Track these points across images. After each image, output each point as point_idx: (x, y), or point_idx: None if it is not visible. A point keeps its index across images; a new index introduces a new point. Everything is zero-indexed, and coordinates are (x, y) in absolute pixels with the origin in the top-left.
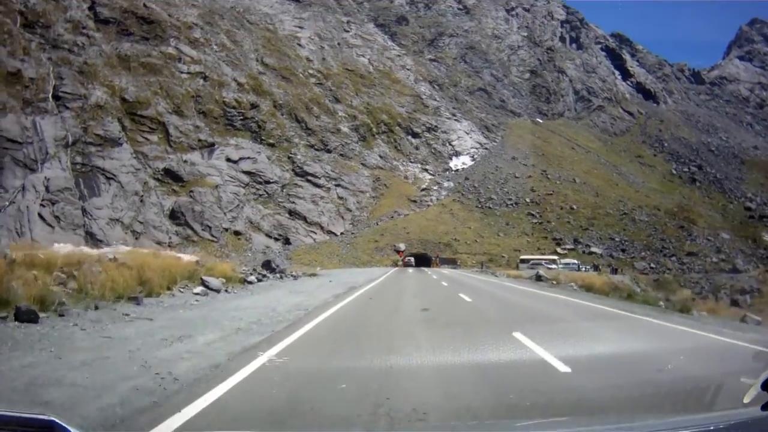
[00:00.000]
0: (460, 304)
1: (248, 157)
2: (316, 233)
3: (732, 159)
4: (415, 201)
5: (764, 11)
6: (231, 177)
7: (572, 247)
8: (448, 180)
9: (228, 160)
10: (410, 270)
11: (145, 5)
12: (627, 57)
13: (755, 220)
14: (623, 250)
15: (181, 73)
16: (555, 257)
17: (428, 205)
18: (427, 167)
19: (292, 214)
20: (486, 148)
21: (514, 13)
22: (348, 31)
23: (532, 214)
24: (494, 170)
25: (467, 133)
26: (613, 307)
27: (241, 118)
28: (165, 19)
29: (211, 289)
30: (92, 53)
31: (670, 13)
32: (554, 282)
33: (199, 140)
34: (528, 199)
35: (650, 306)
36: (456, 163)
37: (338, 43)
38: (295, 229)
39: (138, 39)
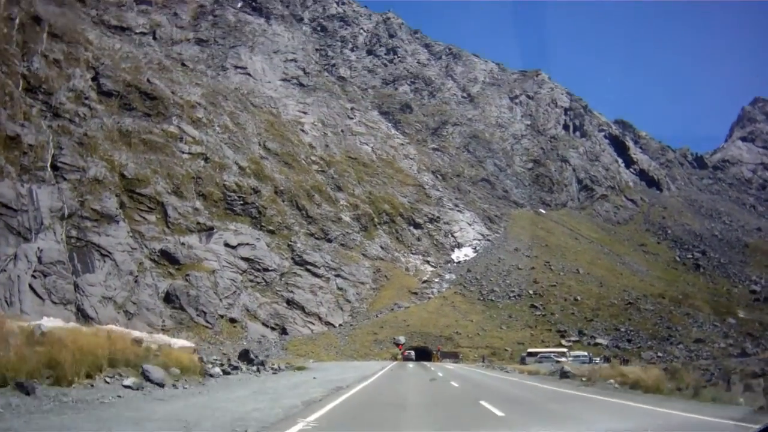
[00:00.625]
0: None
1: (247, 243)
2: (314, 324)
3: (736, 243)
4: (416, 293)
5: (766, 90)
6: (229, 263)
7: (577, 338)
8: (450, 272)
9: (226, 245)
10: (410, 365)
11: (148, 80)
12: (630, 144)
13: (761, 302)
14: (629, 340)
15: (182, 152)
16: (564, 349)
17: (429, 298)
18: (429, 259)
19: (290, 303)
20: (488, 240)
21: (517, 101)
22: (352, 118)
23: (535, 306)
24: (497, 262)
25: (469, 224)
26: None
27: (242, 202)
28: (168, 96)
29: (152, 381)
30: (93, 125)
31: (673, 99)
32: (585, 379)
33: (198, 223)
34: (531, 291)
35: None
36: (458, 255)
37: (342, 130)
38: (292, 318)
39: (140, 114)
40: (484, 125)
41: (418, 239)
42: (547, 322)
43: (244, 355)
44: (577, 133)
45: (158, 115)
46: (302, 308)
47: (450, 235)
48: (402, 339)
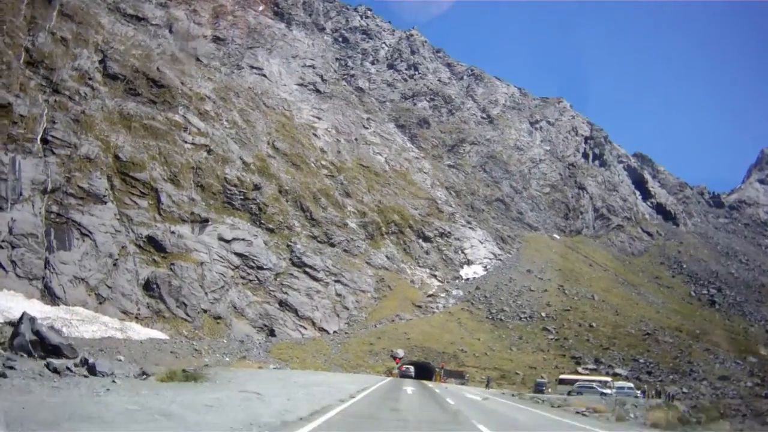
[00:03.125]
0: None
1: (243, 239)
2: (306, 328)
3: (752, 282)
4: (420, 306)
5: None
6: (220, 256)
7: (594, 367)
8: (458, 288)
9: (220, 238)
10: (408, 388)
11: (158, 69)
12: (648, 177)
13: None
14: (649, 372)
15: (185, 142)
16: (608, 379)
17: (434, 312)
18: (436, 273)
19: (283, 305)
20: (500, 260)
21: (538, 126)
22: (367, 128)
23: (548, 330)
24: (508, 281)
25: (481, 243)
26: None
27: (242, 197)
28: (177, 86)
29: None
30: (93, 105)
31: (692, 137)
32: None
33: (192, 213)
34: (544, 314)
35: None
36: (467, 272)
37: (355, 139)
38: (282, 321)
39: (145, 101)
40: (502, 147)
41: (427, 252)
42: (560, 347)
43: (22, 344)
44: (596, 162)
45: (164, 103)
46: (295, 311)
47: (460, 252)
48: (400, 352)
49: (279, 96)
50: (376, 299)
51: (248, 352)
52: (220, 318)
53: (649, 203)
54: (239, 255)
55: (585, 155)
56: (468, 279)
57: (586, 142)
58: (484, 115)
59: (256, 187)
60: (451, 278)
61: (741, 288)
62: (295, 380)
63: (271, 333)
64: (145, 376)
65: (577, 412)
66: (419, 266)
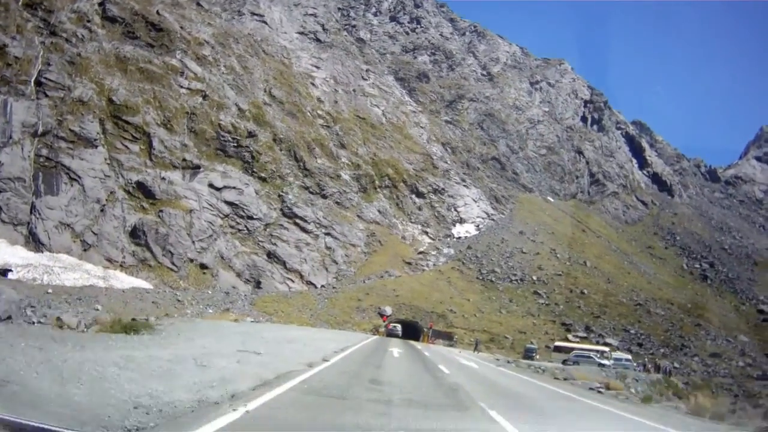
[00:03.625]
0: None
1: (234, 187)
2: (293, 281)
3: (745, 259)
4: (410, 263)
5: None
6: (210, 204)
7: (584, 335)
8: (449, 247)
9: (211, 186)
10: (394, 347)
11: (158, 12)
12: (646, 146)
13: None
14: (640, 344)
15: (181, 87)
16: (605, 348)
17: (424, 270)
18: (428, 230)
19: (271, 256)
20: (493, 219)
21: (538, 86)
22: (366, 80)
23: (539, 294)
24: (500, 242)
25: (475, 201)
26: None
27: (235, 144)
28: (176, 30)
29: None
30: (90, 48)
31: (692, 109)
32: None
33: (184, 160)
34: (535, 277)
35: None
36: (459, 231)
37: (353, 90)
38: (270, 273)
39: (143, 44)
40: (500, 105)
41: (419, 208)
42: (551, 312)
43: None
44: (595, 127)
45: (162, 47)
46: (283, 263)
47: (453, 209)
48: (388, 310)
49: (279, 43)
50: (366, 254)
51: (233, 304)
52: (206, 268)
53: (645, 172)
54: (229, 203)
55: (584, 119)
56: (460, 238)
57: (585, 106)
58: (485, 73)
59: (251, 135)
60: (442, 236)
61: (733, 265)
62: (264, 335)
63: (258, 285)
64: (85, 329)
65: (591, 389)
66: (411, 222)
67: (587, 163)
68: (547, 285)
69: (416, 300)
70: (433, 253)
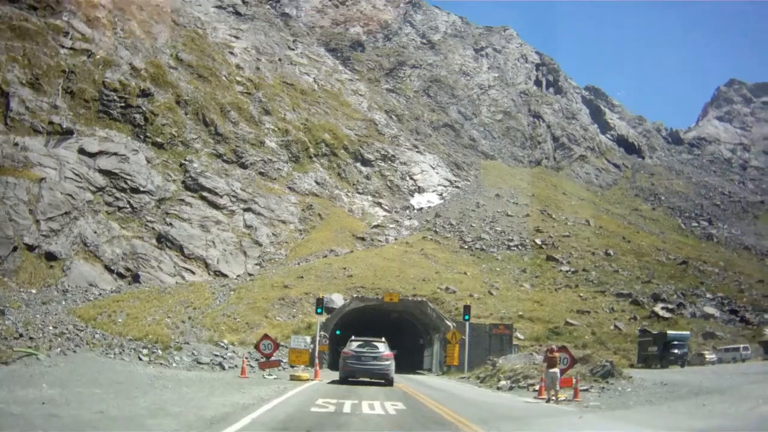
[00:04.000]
0: None
1: (115, 153)
2: (193, 272)
3: (743, 215)
4: (362, 239)
5: (740, 72)
6: (77, 174)
7: (672, 306)
8: (410, 218)
9: (82, 152)
10: None
11: None
12: (606, 110)
13: None
14: (733, 312)
15: (62, 46)
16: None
17: (382, 245)
18: (381, 201)
19: (162, 240)
20: (457, 187)
21: (483, 53)
22: (293, 49)
23: (555, 260)
24: (475, 207)
25: (433, 168)
26: None
27: (122, 105)
28: None
29: None
30: None
31: (643, 73)
32: None
33: (51, 123)
34: (538, 241)
35: None
36: (419, 201)
37: (279, 59)
38: (157, 261)
39: (24, 6)
40: (446, 71)
41: (367, 177)
42: (588, 281)
43: None
44: (551, 90)
45: (46, 8)
46: (180, 248)
47: (409, 178)
48: (338, 300)
49: (192, 15)
50: (301, 231)
51: (47, 307)
52: (54, 258)
53: (609, 135)
54: (107, 173)
55: (537, 83)
56: (422, 208)
57: (537, 69)
58: (425, 41)
59: (144, 94)
60: (400, 207)
61: (733, 221)
62: None
63: (136, 279)
64: None
65: None
66: (359, 193)
67: (548, 127)
68: (558, 249)
69: (382, 280)
70: (392, 226)
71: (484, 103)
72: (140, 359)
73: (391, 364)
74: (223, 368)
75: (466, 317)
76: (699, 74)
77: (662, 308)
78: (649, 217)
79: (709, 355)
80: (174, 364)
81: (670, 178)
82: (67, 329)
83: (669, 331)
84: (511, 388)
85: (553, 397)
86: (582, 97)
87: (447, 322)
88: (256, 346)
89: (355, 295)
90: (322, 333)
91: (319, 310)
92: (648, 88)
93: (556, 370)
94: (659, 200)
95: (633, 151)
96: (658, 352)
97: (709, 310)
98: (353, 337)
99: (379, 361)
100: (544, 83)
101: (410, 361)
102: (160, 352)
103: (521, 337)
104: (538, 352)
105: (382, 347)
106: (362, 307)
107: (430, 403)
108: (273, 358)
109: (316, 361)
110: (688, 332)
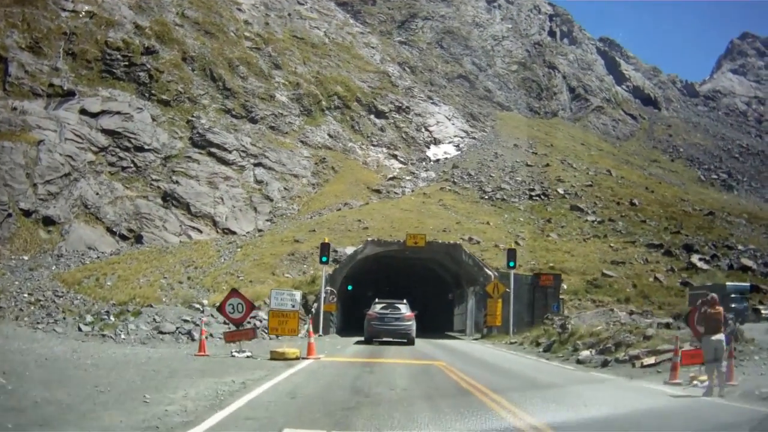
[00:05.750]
0: None
1: (119, 112)
2: (200, 230)
3: (762, 166)
4: (378, 191)
5: (753, 26)
6: (77, 135)
7: (706, 258)
8: (427, 170)
9: (83, 112)
10: None
11: None
12: (621, 61)
13: None
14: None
15: (63, 10)
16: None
17: (398, 197)
18: (396, 153)
19: (168, 198)
20: (474, 138)
21: (495, 4)
22: (302, 4)
23: (580, 209)
24: (494, 157)
25: (448, 119)
26: None
27: (126, 63)
28: None
29: None
30: None
31: (659, 24)
32: None
33: (52, 85)
34: (561, 191)
35: None
36: (436, 152)
37: (288, 14)
38: (162, 221)
39: None
40: (459, 23)
41: (382, 129)
42: (616, 231)
43: None
44: (566, 40)
45: None
46: (187, 206)
47: (424, 129)
48: (350, 251)
49: None
50: (314, 186)
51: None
52: (53, 223)
53: (624, 87)
54: (110, 133)
55: (551, 33)
56: (438, 160)
57: (551, 20)
58: None
59: (149, 51)
60: (416, 159)
61: (752, 173)
62: None
63: (139, 240)
64: None
65: None
66: (373, 145)
67: (564, 77)
68: (582, 198)
69: (400, 232)
70: (408, 178)
71: (498, 54)
72: (80, 329)
73: (413, 324)
74: (193, 339)
75: (511, 263)
76: (712, 27)
77: (699, 259)
78: (669, 169)
79: (765, 310)
80: (123, 336)
81: (687, 130)
82: (44, 296)
83: (728, 283)
84: (605, 364)
85: (717, 385)
86: (597, 48)
87: (487, 270)
88: (220, 309)
89: (369, 239)
90: (328, 288)
91: (324, 259)
92: (662, 40)
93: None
94: (678, 152)
95: (649, 102)
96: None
97: (747, 262)
98: (377, 300)
99: (401, 321)
100: (558, 34)
101: (437, 322)
102: (112, 319)
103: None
104: (617, 309)
105: (404, 308)
106: (379, 254)
107: (503, 406)
108: (245, 326)
109: (309, 329)
110: (747, 284)
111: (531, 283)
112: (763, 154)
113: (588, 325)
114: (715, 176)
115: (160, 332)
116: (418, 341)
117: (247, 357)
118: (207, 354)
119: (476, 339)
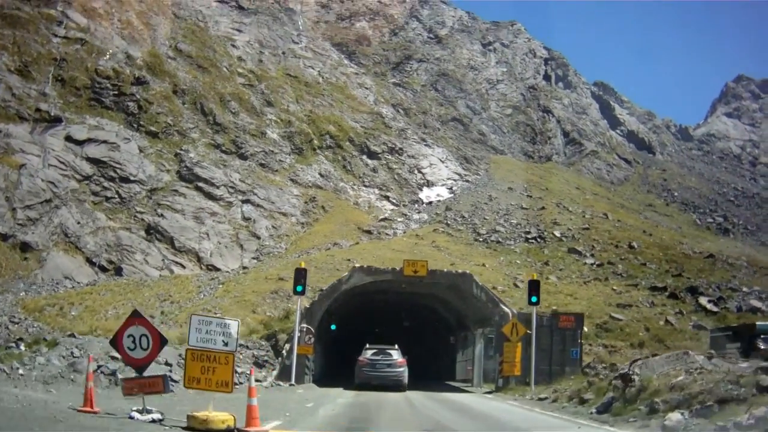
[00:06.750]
0: None
1: (105, 141)
2: (184, 265)
3: (758, 210)
4: (369, 231)
5: (747, 68)
6: (62, 162)
7: (710, 299)
8: (419, 212)
9: (69, 139)
10: None
11: None
12: (615, 105)
13: None
14: None
15: (55, 35)
16: None
17: (390, 238)
18: (389, 194)
19: (152, 231)
20: (467, 181)
21: (491, 47)
22: (297, 43)
23: (578, 252)
24: (487, 200)
25: (442, 161)
26: None
27: (115, 93)
28: None
29: None
30: None
31: (653, 69)
32: None
33: (38, 110)
34: (558, 233)
35: None
36: (428, 194)
37: (283, 52)
38: (144, 254)
39: None
40: (454, 66)
41: (374, 170)
42: (616, 275)
43: None
44: (561, 84)
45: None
46: (170, 240)
47: (417, 171)
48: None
49: (193, 8)
50: (303, 225)
51: None
52: (29, 249)
53: (618, 131)
54: (95, 162)
55: (546, 77)
56: (431, 202)
57: (546, 64)
58: (432, 36)
59: (139, 82)
60: (408, 201)
61: (748, 217)
62: None
63: (118, 272)
64: None
65: None
66: (365, 186)
67: (559, 121)
68: (579, 241)
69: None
70: (400, 219)
71: (493, 97)
72: None
73: (405, 371)
74: (117, 383)
75: (533, 298)
76: (707, 70)
77: (708, 301)
78: (663, 213)
79: None
80: (21, 371)
81: (682, 174)
82: None
83: (758, 323)
84: None
85: None
86: (591, 92)
87: (504, 307)
88: (115, 341)
89: (357, 265)
90: (304, 326)
91: (299, 288)
92: (656, 84)
93: None
94: (672, 196)
95: (644, 146)
96: (742, 347)
97: (756, 303)
98: (367, 345)
99: (393, 368)
100: (553, 78)
101: (435, 370)
102: (22, 348)
103: None
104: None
105: (396, 354)
106: (368, 286)
107: None
108: (150, 373)
109: (252, 385)
110: None
111: (548, 325)
112: (759, 197)
113: (659, 374)
114: (711, 220)
115: (76, 370)
116: (417, 396)
117: (152, 421)
118: (95, 410)
119: (489, 392)
